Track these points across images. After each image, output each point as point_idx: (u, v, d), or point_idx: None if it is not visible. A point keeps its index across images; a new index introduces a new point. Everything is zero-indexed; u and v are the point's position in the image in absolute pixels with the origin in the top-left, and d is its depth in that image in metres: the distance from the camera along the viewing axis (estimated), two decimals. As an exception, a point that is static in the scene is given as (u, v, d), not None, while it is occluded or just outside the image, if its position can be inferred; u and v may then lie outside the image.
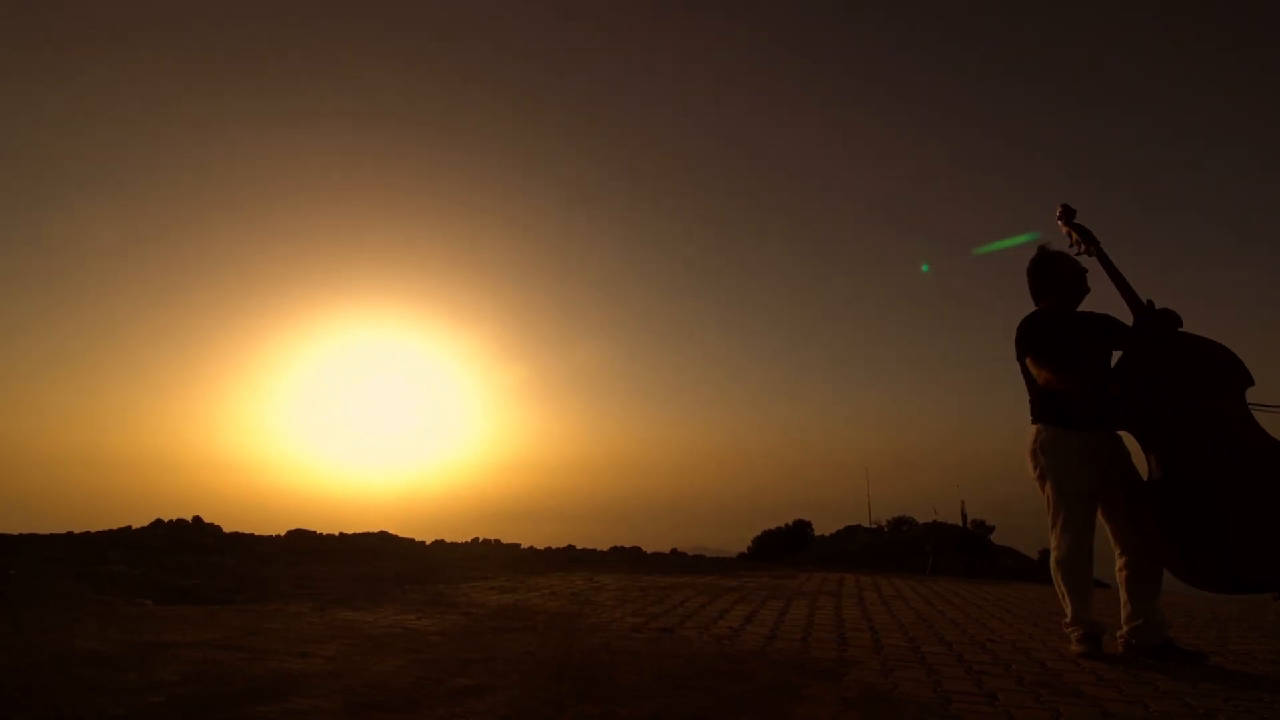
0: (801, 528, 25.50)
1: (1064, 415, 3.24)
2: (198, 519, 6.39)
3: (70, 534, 5.51)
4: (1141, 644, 3.14)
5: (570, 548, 9.54)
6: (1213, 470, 2.97)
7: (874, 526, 25.14)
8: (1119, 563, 3.21)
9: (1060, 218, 3.53)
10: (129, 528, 5.85)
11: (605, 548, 9.90)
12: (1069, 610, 3.24)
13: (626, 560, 8.25)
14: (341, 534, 8.34)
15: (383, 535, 8.58)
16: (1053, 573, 3.28)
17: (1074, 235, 3.47)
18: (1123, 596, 3.20)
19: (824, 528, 26.18)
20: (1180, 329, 3.19)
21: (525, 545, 9.89)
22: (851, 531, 25.24)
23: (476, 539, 9.84)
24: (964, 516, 24.43)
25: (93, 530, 5.64)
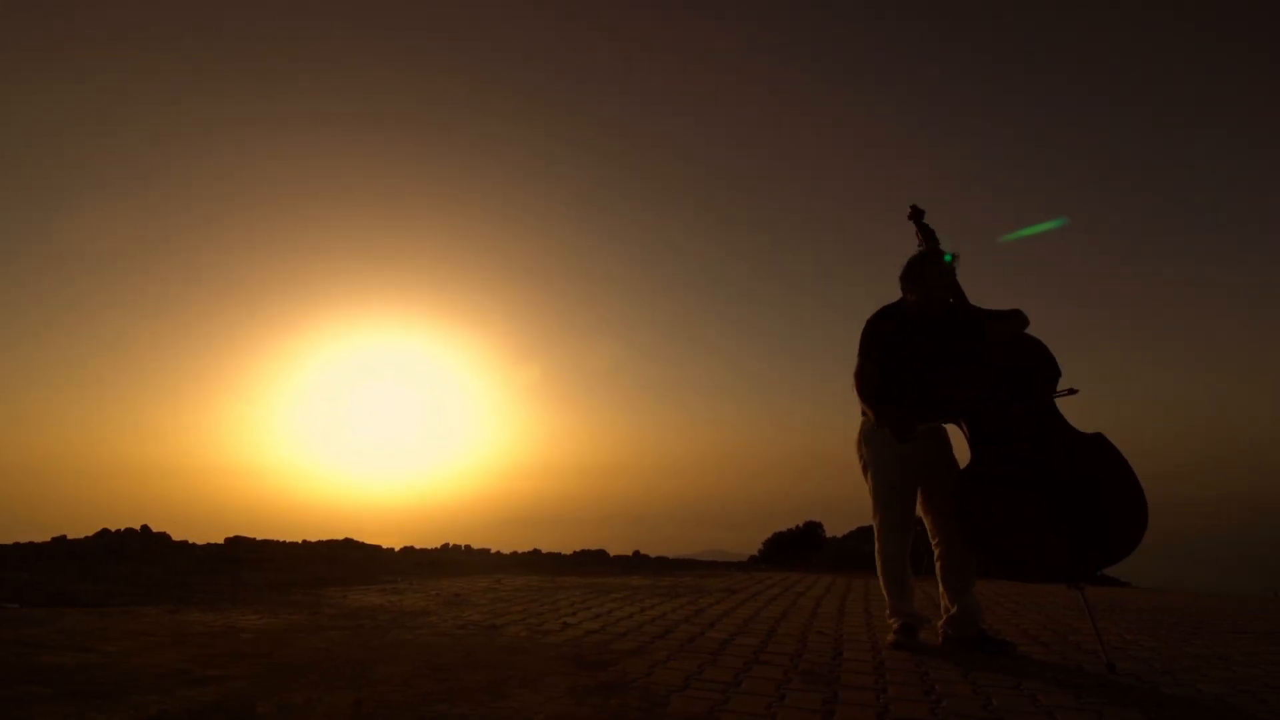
0: (813, 529, 25.18)
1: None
2: (145, 528, 6.62)
3: None
4: (956, 634, 3.15)
5: (535, 551, 9.65)
6: (1020, 465, 2.99)
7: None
8: (935, 554, 3.22)
9: (910, 218, 3.53)
10: (64, 537, 6.09)
11: (605, 551, 10.04)
12: (888, 602, 3.25)
13: (579, 563, 8.33)
14: (305, 541, 8.55)
15: (346, 542, 8.77)
16: (876, 564, 3.30)
17: (920, 236, 3.48)
18: (940, 588, 3.21)
19: (837, 529, 25.87)
20: (1023, 329, 3.19)
21: (495, 550, 10.04)
22: (865, 532, 24.93)
23: (446, 545, 10.00)
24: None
25: (37, 541, 5.89)
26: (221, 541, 6.78)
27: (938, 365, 3.17)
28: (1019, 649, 3.13)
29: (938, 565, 3.20)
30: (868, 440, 3.27)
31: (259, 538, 7.21)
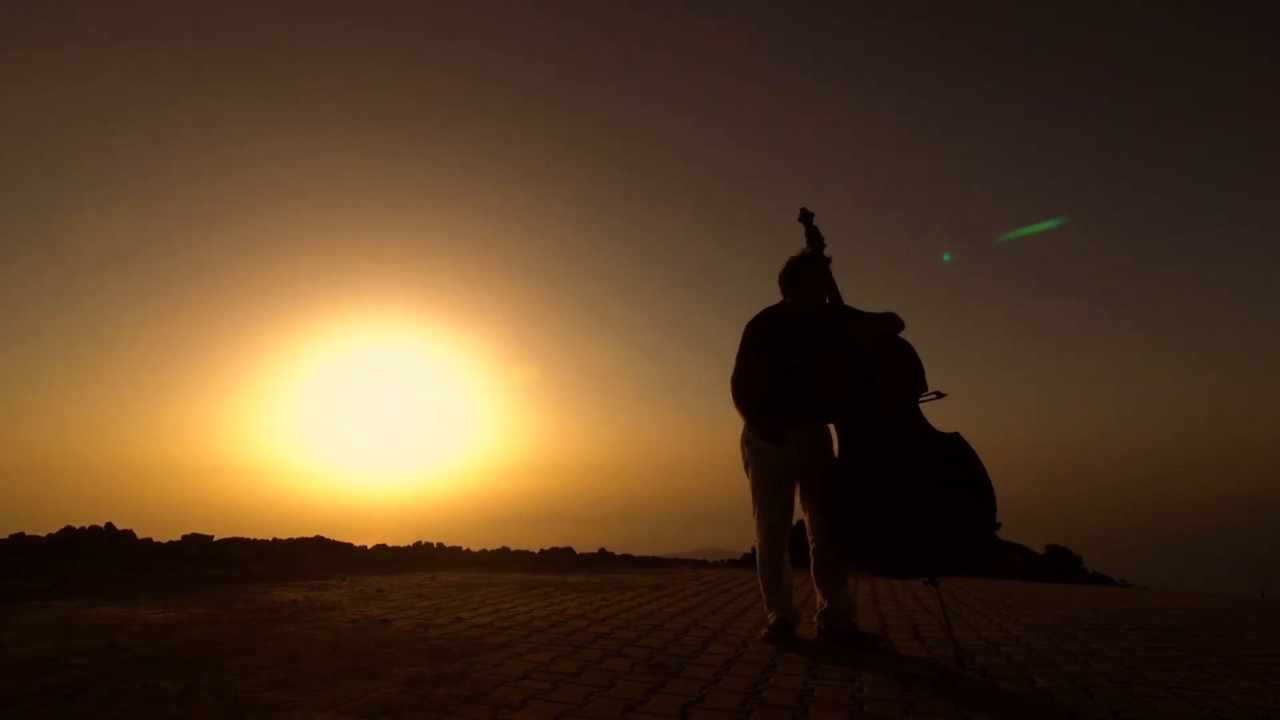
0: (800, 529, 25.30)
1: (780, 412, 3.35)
2: (109, 525, 6.81)
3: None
4: (829, 628, 3.25)
5: (504, 549, 9.78)
6: (882, 463, 3.07)
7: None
8: (811, 549, 3.31)
9: (800, 219, 3.62)
10: (22, 534, 6.29)
11: (572, 549, 10.18)
12: (764, 597, 3.35)
13: (544, 561, 8.46)
14: (274, 539, 8.70)
15: (316, 540, 8.92)
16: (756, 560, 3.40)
17: (807, 238, 3.56)
18: (814, 583, 3.31)
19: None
20: (897, 333, 3.28)
21: (466, 548, 10.18)
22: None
23: (418, 542, 10.15)
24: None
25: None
26: (179, 539, 6.95)
27: (811, 367, 3.26)
28: (884, 643, 3.22)
29: (813, 561, 3.29)
30: (747, 440, 3.37)
31: (218, 536, 7.37)
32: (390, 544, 10.20)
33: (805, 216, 3.59)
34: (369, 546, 9.59)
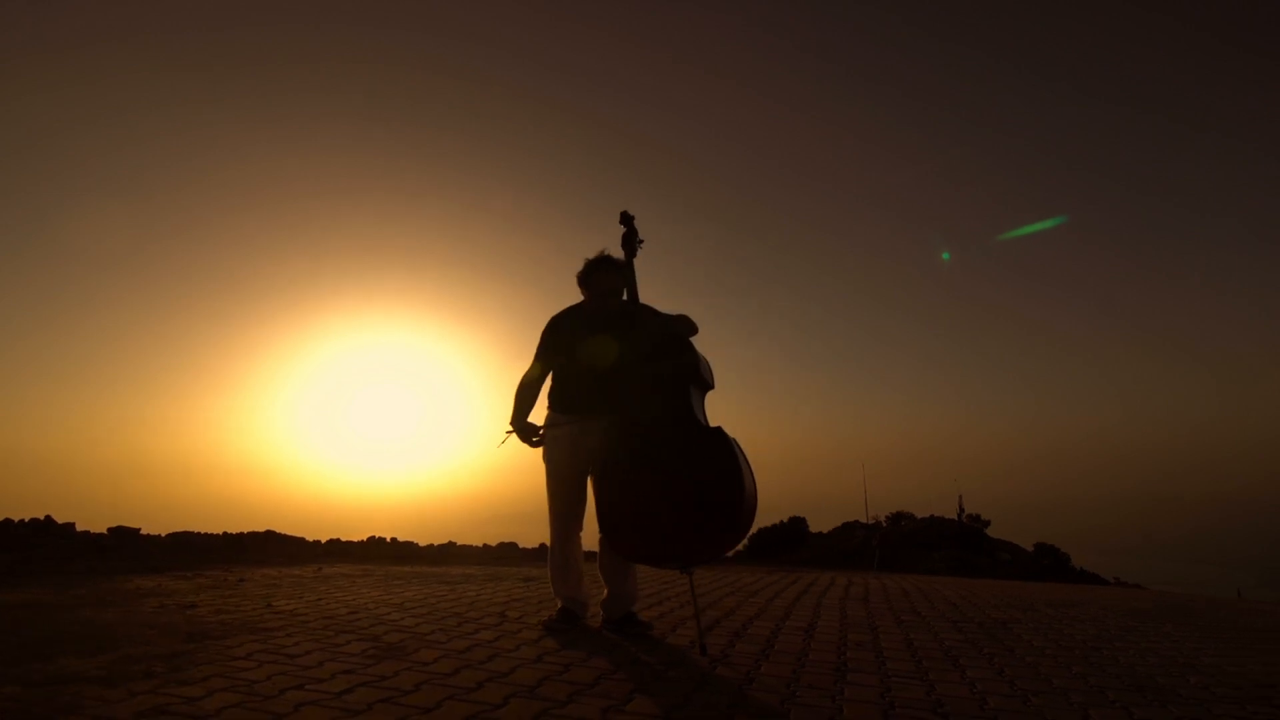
0: (797, 525, 25.15)
1: (560, 401, 3.45)
2: (49, 518, 7.11)
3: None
4: (608, 616, 3.35)
5: (451, 544, 9.96)
6: (644, 456, 3.14)
7: (872, 523, 24.60)
8: (599, 540, 3.40)
9: (621, 221, 3.67)
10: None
11: (516, 543, 10.36)
12: (552, 585, 3.46)
13: (481, 556, 8.63)
14: (225, 533, 8.95)
15: (266, 534, 9.16)
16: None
17: (624, 240, 3.61)
18: (600, 572, 3.41)
19: (822, 524, 25.78)
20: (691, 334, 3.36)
21: (421, 544, 10.40)
22: (850, 528, 24.77)
23: (371, 537, 10.35)
24: (960, 510, 23.73)
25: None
26: (105, 532, 7.20)
27: (596, 361, 3.35)
28: (654, 630, 3.32)
29: (600, 550, 3.38)
30: (546, 434, 3.47)
31: (147, 530, 7.62)
32: (344, 539, 10.44)
33: (625, 219, 3.62)
34: (322, 541, 9.82)
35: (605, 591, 3.38)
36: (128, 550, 6.42)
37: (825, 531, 26.29)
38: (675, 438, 3.15)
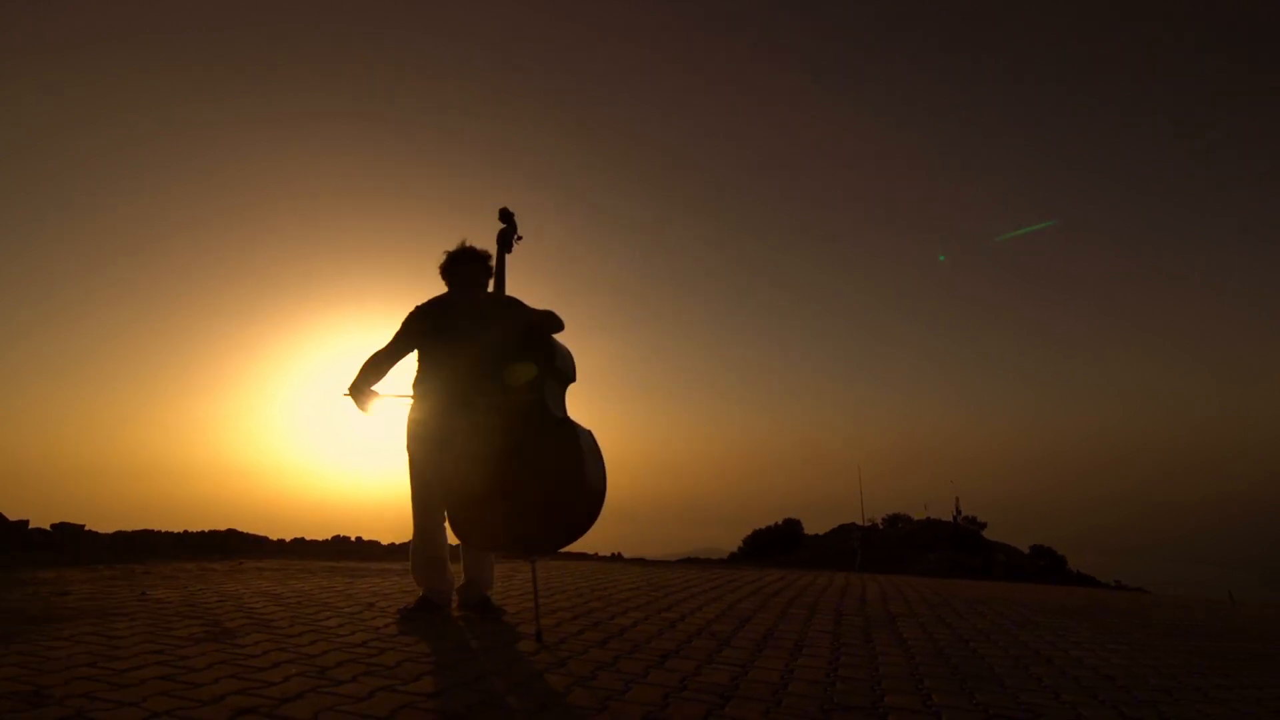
0: (792, 527, 25.12)
1: (422, 390, 3.49)
2: (1, 516, 7.31)
3: None
4: (464, 601, 3.40)
5: (395, 543, 10.06)
6: (490, 444, 3.17)
7: (868, 525, 24.51)
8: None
9: (500, 218, 3.68)
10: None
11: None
12: (414, 574, 3.49)
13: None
14: (185, 531, 9.09)
15: (228, 532, 9.28)
16: None
17: (499, 236, 3.63)
18: (462, 559, 3.45)
19: (818, 526, 25.70)
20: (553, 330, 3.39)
21: (385, 542, 10.50)
22: (845, 530, 24.68)
23: (335, 536, 10.46)
24: (957, 512, 23.54)
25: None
26: (48, 528, 7.35)
27: (457, 352, 3.38)
28: (506, 616, 3.35)
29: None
30: (408, 425, 3.51)
31: (90, 527, 7.78)
32: (308, 538, 10.57)
33: (505, 216, 3.62)
34: (287, 540, 9.93)
35: (464, 576, 3.42)
36: (68, 546, 6.55)
37: (821, 533, 26.35)
38: (526, 429, 3.17)
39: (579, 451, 3.08)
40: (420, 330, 3.47)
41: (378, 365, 3.47)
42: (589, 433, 3.20)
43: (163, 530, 8.96)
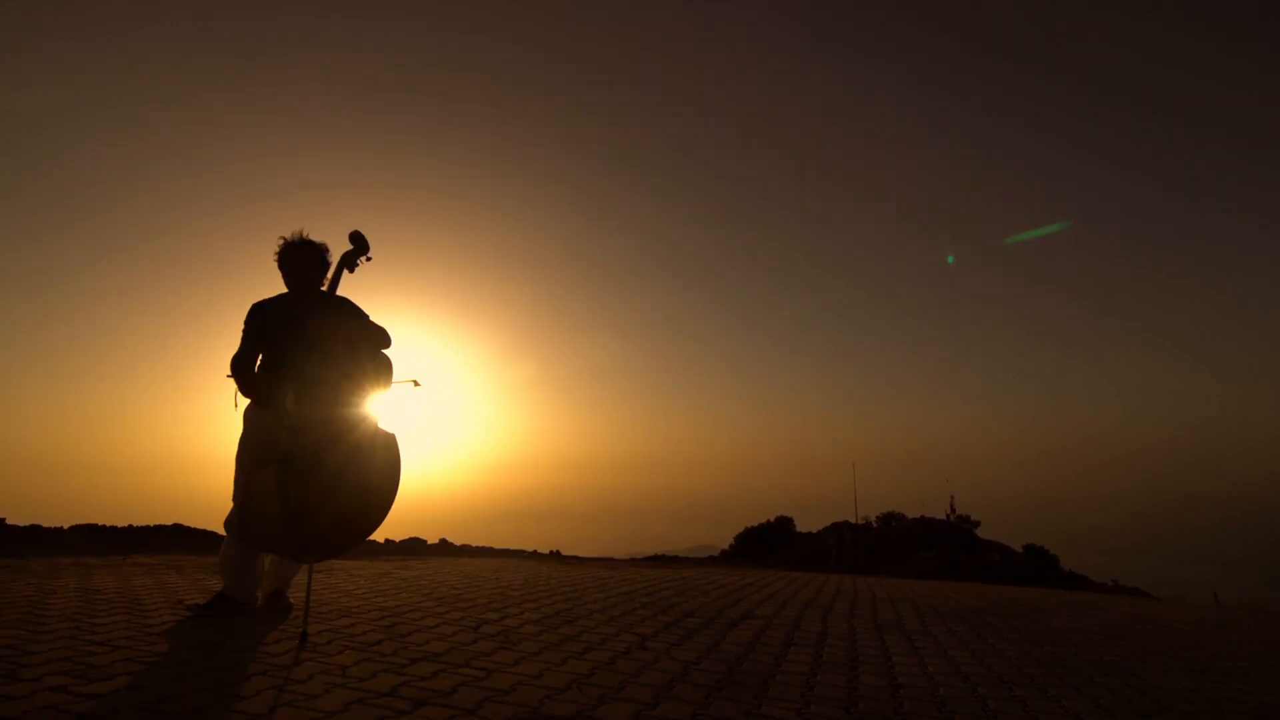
0: (784, 524, 24.79)
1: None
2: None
3: None
4: (264, 594, 3.36)
5: (385, 540, 10.07)
6: (290, 451, 3.08)
7: (861, 523, 24.12)
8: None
9: (350, 240, 3.58)
10: None
11: (424, 539, 10.56)
12: (219, 570, 3.43)
13: (381, 551, 8.67)
14: (130, 525, 9.16)
15: (174, 527, 9.34)
16: None
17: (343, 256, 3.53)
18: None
19: (812, 524, 25.35)
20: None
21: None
22: (838, 528, 24.32)
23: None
24: (951, 511, 23.09)
25: None
26: None
27: (290, 354, 3.27)
28: (295, 610, 3.28)
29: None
30: (243, 422, 3.43)
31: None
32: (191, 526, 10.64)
33: (355, 238, 3.51)
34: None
35: (268, 571, 3.35)
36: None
37: (815, 531, 26.02)
38: (340, 438, 3.09)
39: (371, 464, 3.05)
40: (267, 330, 3.38)
41: (246, 366, 3.35)
42: (390, 438, 3.15)
43: (104, 524, 9.07)
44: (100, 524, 9.47)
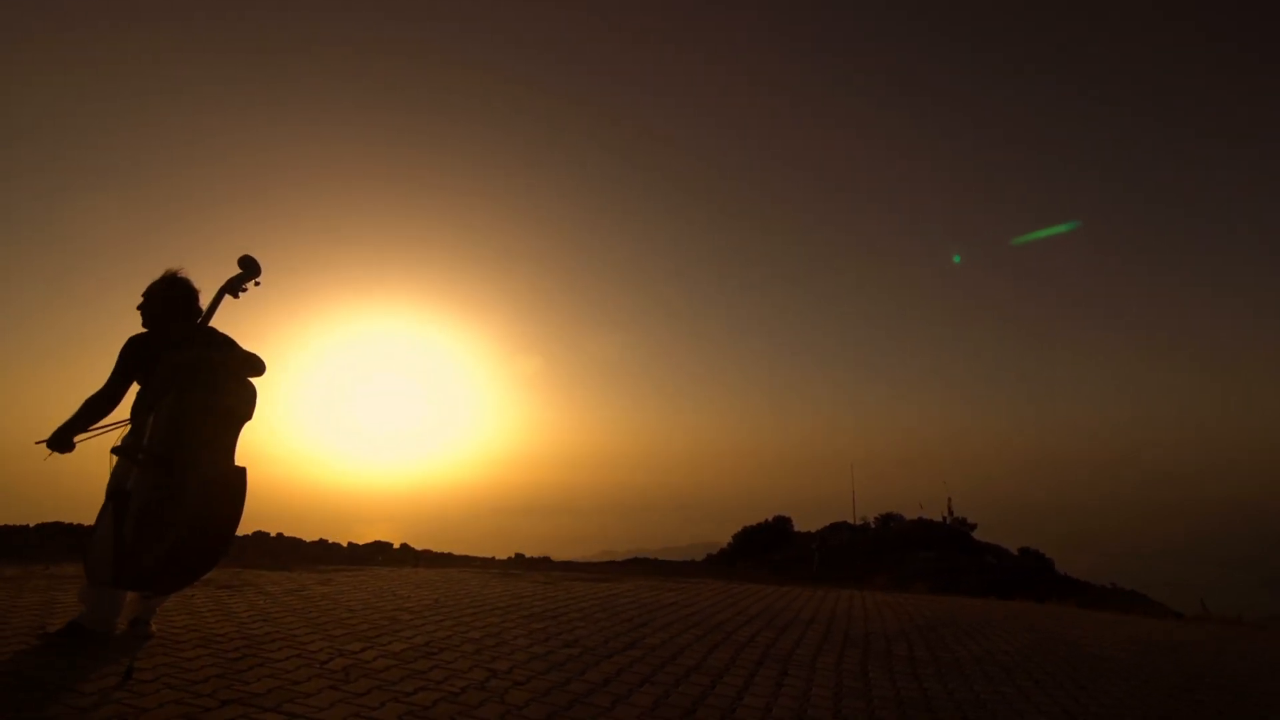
0: (782, 524, 24.73)
1: (132, 424, 3.43)
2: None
3: None
4: (129, 621, 3.38)
5: (349, 544, 10.23)
6: (140, 482, 3.11)
7: (860, 524, 24.00)
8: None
9: (239, 264, 3.59)
10: None
11: (390, 544, 10.66)
12: (79, 595, 3.46)
13: (354, 558, 8.78)
14: (80, 524, 9.32)
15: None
16: None
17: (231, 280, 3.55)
18: None
19: (810, 524, 25.28)
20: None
21: (345, 542, 10.79)
22: (836, 529, 24.23)
23: (256, 531, 10.66)
24: (948, 513, 22.87)
25: None
26: None
27: (164, 389, 3.29)
28: (152, 641, 3.29)
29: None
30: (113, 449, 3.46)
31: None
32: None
33: (244, 262, 3.51)
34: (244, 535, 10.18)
35: (136, 599, 3.39)
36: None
37: (813, 531, 25.93)
38: (177, 468, 3.12)
39: (218, 504, 3.10)
40: (140, 365, 3.41)
41: (103, 406, 3.35)
42: (239, 473, 3.20)
43: (72, 523, 9.22)
44: (72, 523, 9.62)
